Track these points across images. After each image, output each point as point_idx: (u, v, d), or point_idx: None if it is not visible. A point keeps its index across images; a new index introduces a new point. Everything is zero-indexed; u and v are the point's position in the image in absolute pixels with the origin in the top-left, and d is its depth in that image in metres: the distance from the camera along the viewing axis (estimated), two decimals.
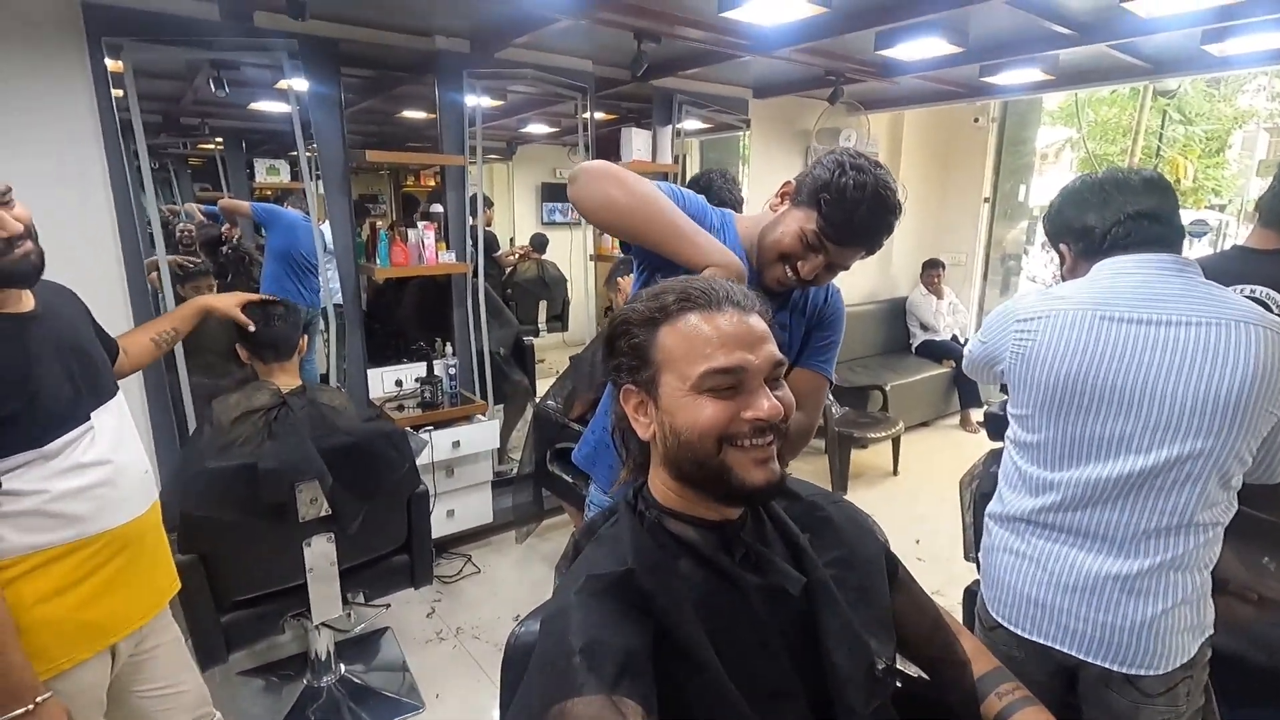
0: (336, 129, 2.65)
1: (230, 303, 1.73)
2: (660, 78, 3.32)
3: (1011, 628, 1.17)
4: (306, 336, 1.90)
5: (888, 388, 4.00)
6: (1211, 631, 1.09)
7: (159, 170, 3.90)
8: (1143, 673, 1.06)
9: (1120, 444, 1.05)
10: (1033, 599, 1.14)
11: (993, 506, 1.24)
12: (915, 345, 4.82)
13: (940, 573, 2.74)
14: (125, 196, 2.28)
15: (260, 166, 3.63)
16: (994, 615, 1.21)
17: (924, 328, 4.80)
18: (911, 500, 3.58)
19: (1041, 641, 1.13)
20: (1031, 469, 1.15)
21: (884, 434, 3.70)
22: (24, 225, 1.05)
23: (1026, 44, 2.83)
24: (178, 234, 3.28)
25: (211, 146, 3.71)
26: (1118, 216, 1.10)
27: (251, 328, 1.75)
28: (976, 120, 4.78)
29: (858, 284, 4.85)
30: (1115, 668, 1.07)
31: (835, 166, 1.09)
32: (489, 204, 4.77)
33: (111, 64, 2.15)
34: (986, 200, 4.95)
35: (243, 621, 1.80)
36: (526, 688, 0.67)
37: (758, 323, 0.73)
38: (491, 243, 3.97)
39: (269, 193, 3.61)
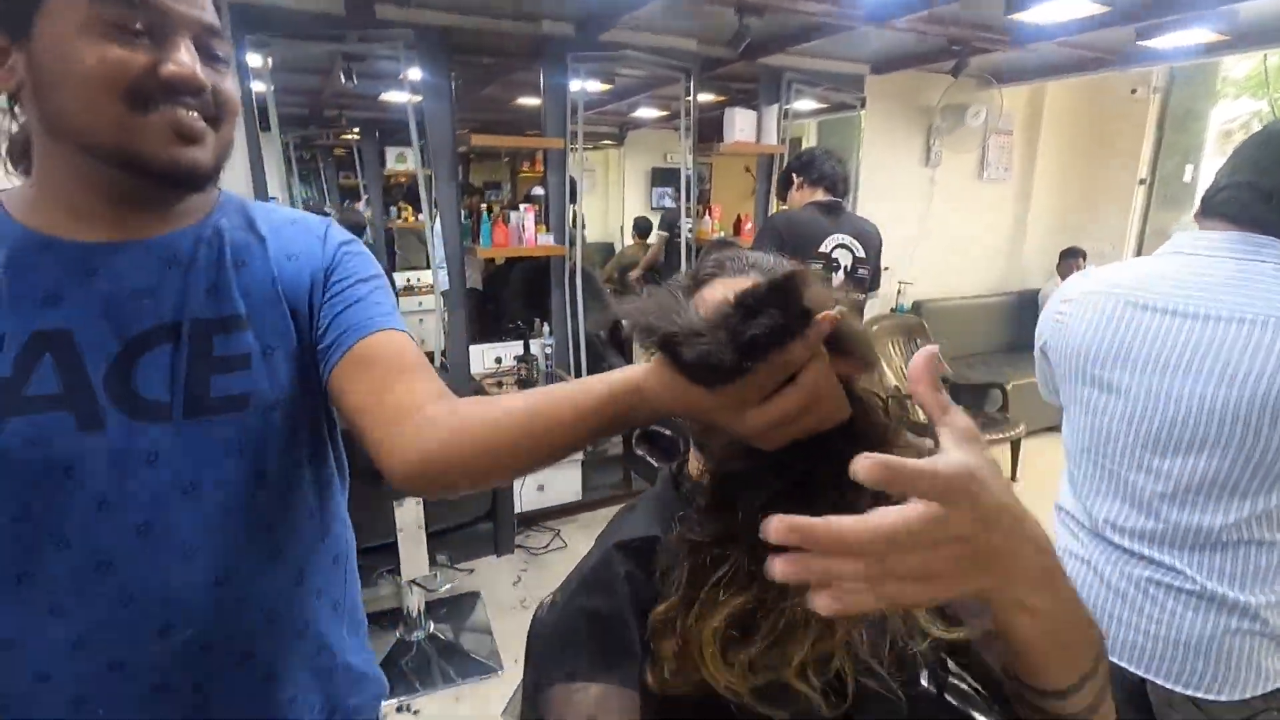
0: (446, 115, 2.77)
1: None
2: (768, 55, 3.21)
3: None
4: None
5: (1009, 386, 3.67)
6: None
7: (309, 160, 4.30)
8: (1207, 696, 0.94)
9: (1144, 445, 0.97)
10: (1086, 603, 1.06)
11: (1060, 497, 1.17)
12: None
13: None
14: (262, 184, 2.50)
15: (390, 155, 3.91)
16: None
17: None
18: (1030, 510, 3.28)
19: None
20: (1070, 463, 1.10)
21: (1001, 436, 3.41)
22: None
23: None
24: None
25: (351, 137, 4.03)
26: (1219, 179, 0.95)
27: None
28: (1134, 91, 4.25)
29: (981, 274, 4.49)
30: (1174, 687, 0.96)
31: None
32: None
33: (253, 60, 2.37)
34: (1142, 182, 4.40)
35: None
36: (539, 659, 0.66)
37: None
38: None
39: (402, 179, 3.88)
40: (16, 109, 0.63)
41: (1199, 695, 0.95)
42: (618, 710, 0.55)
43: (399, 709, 2.03)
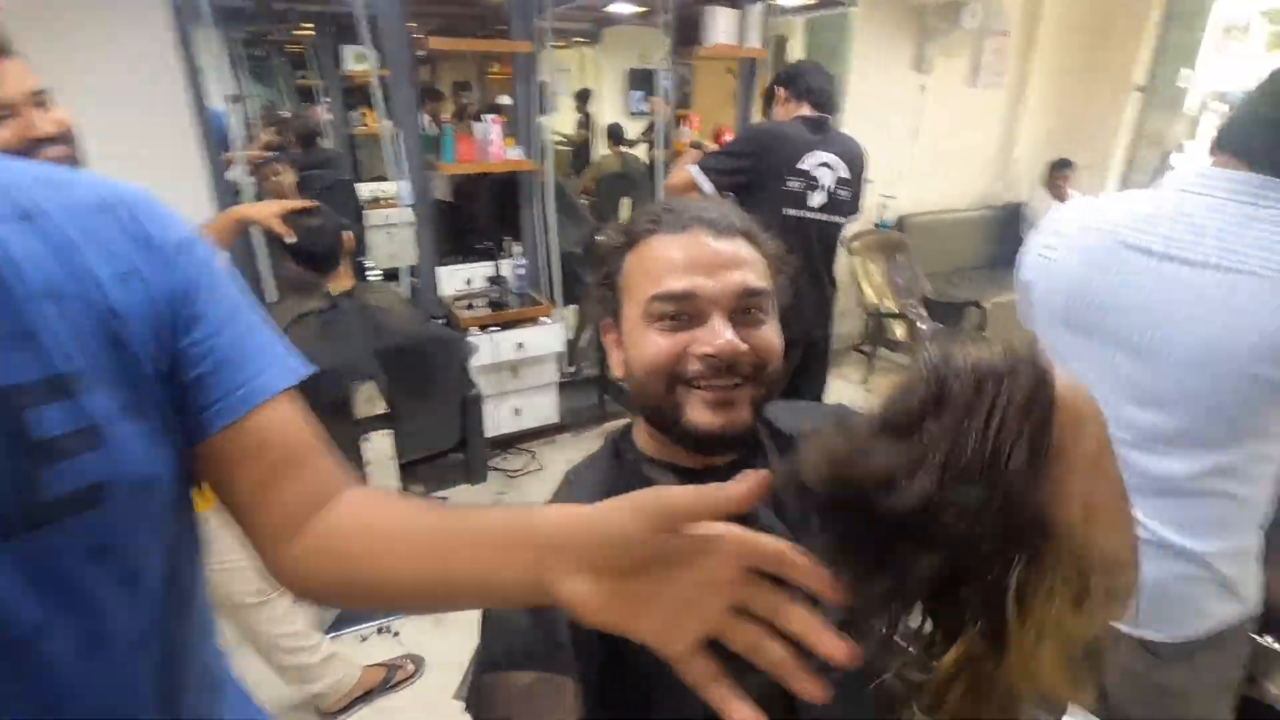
0: (396, 12, 2.52)
1: (267, 212, 1.61)
2: None
3: None
4: (351, 234, 1.87)
5: (988, 305, 3.65)
6: (1257, 610, 0.97)
7: (263, 59, 3.95)
8: (1155, 638, 0.97)
9: (1119, 393, 0.94)
10: None
11: None
12: None
13: None
14: (200, 87, 2.27)
15: (348, 54, 3.61)
16: None
17: None
18: None
19: None
20: None
21: None
22: (58, 129, 1.04)
23: None
24: (268, 132, 3.36)
25: (305, 33, 3.70)
26: (1239, 113, 0.88)
27: (290, 238, 1.67)
28: None
29: (966, 187, 4.37)
30: (1120, 627, 0.98)
31: None
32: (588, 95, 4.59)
33: None
34: (1140, 89, 4.23)
35: None
36: (480, 645, 0.64)
37: (730, 246, 0.63)
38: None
39: (364, 80, 3.60)
40: None
41: (1144, 636, 0.97)
42: (548, 696, 0.55)
43: (379, 631, 2.08)
